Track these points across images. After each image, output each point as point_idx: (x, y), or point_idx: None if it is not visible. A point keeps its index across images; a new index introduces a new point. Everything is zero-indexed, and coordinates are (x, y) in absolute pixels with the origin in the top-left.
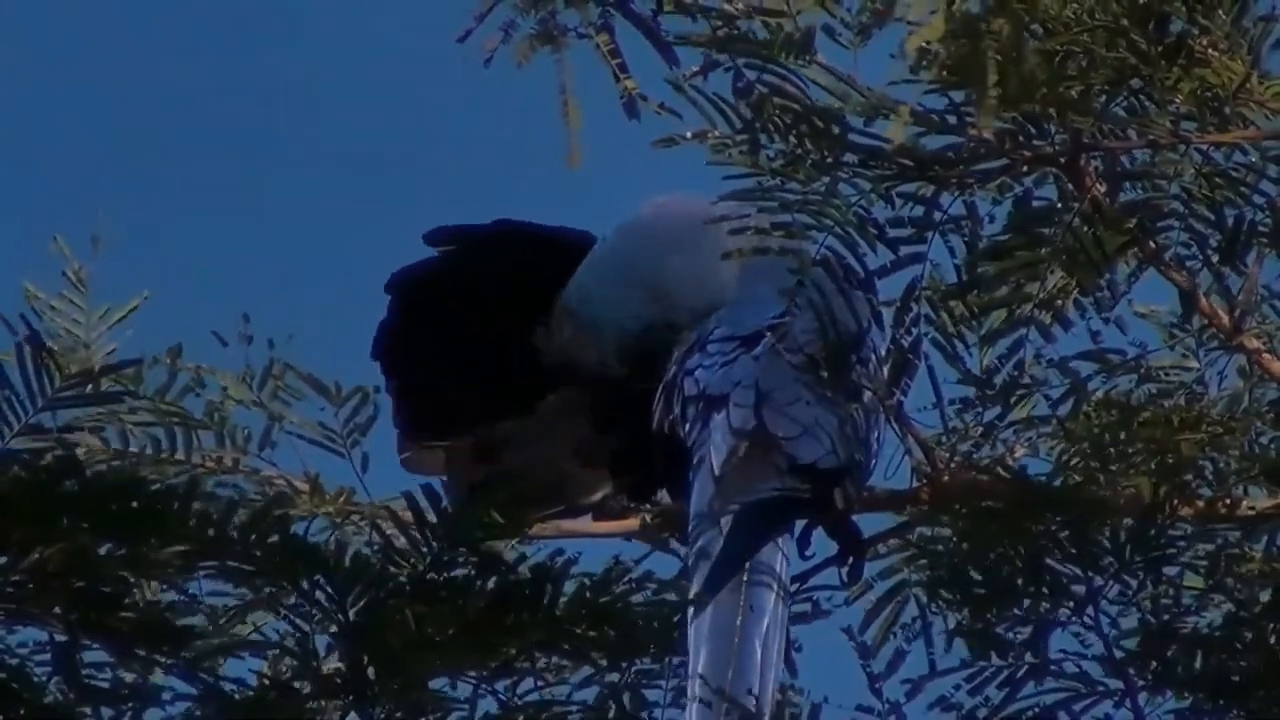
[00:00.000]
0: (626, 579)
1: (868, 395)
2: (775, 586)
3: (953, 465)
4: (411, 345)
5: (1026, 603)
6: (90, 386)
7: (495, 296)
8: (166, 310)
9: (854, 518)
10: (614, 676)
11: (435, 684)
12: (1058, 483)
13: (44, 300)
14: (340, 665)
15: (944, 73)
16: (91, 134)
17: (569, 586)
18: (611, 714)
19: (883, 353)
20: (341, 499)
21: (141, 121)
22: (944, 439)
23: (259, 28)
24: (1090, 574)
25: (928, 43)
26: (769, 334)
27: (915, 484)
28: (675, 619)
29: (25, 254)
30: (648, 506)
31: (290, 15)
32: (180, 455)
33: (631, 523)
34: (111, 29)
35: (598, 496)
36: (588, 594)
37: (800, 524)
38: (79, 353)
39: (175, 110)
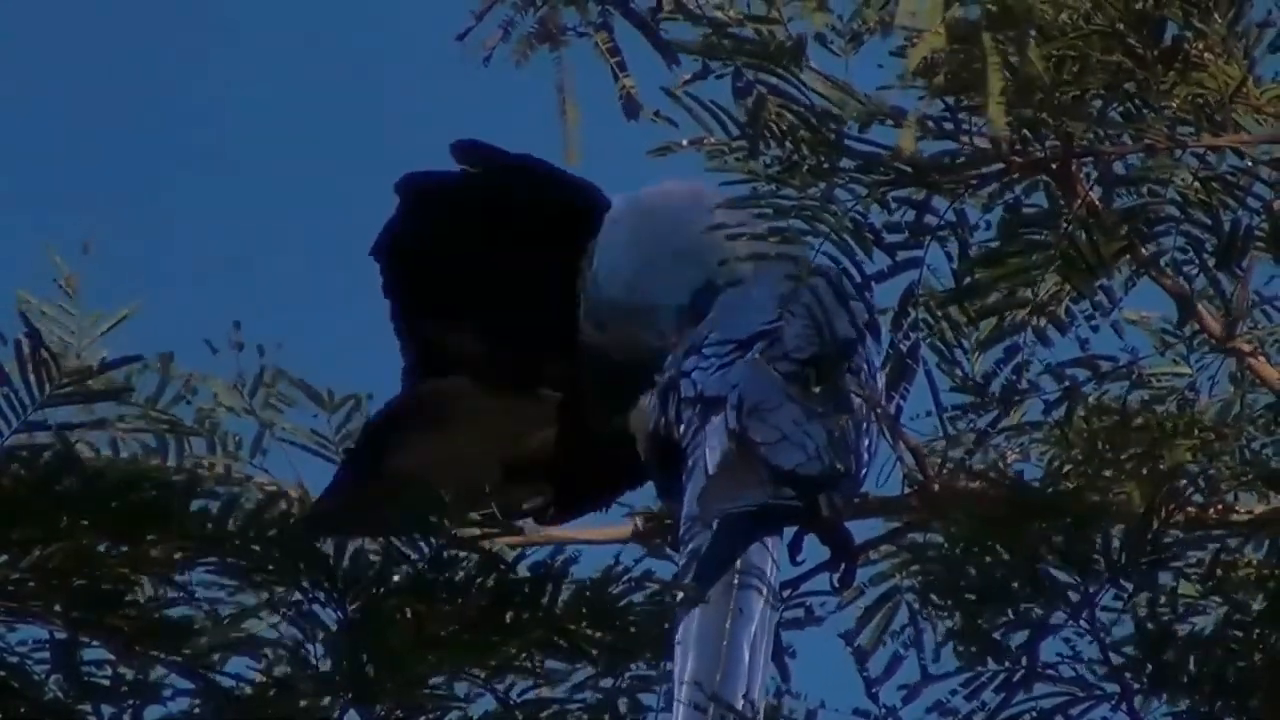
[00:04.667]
0: (626, 579)
1: (859, 404)
2: (764, 590)
3: (944, 472)
4: (416, 253)
5: (1021, 607)
6: (88, 383)
7: (510, 226)
8: (158, 317)
9: (846, 524)
10: (608, 682)
11: (434, 682)
12: (1050, 489)
13: (35, 306)
14: (340, 662)
15: (944, 78)
16: (83, 139)
17: (568, 587)
18: (608, 717)
19: (876, 362)
20: None
21: (134, 127)
22: (935, 445)
23: (257, 30)
24: (1085, 578)
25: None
26: (763, 339)
27: (906, 491)
28: (674, 615)
29: (17, 260)
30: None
31: (288, 19)
32: (171, 462)
33: (625, 530)
34: (104, 32)
35: (523, 506)
36: (587, 593)
37: (791, 530)
38: (70, 360)
39: (168, 115)
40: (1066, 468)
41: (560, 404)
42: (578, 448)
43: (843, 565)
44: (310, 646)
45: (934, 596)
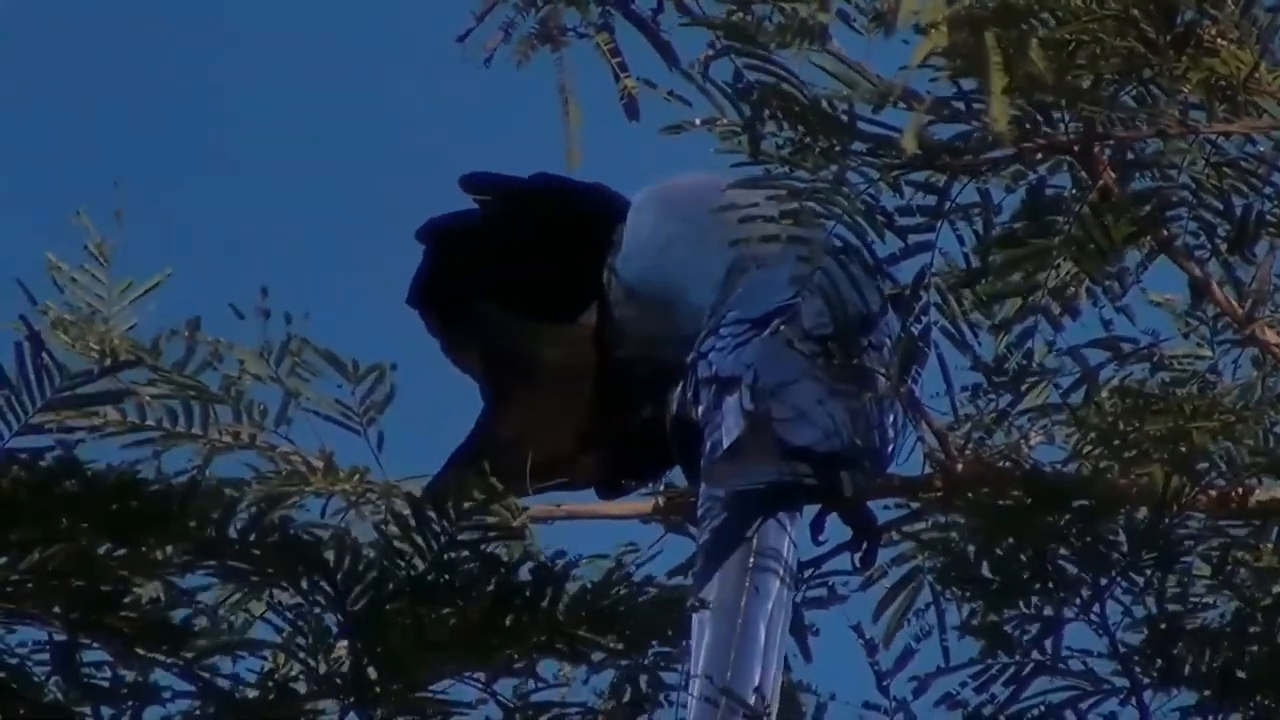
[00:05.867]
0: (628, 582)
1: (882, 381)
2: (780, 569)
3: (966, 453)
4: (450, 292)
5: (1034, 599)
6: (108, 372)
7: (535, 248)
8: (187, 284)
9: (869, 503)
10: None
11: (437, 686)
12: (1072, 470)
13: (65, 273)
14: (340, 665)
15: (956, 63)
16: (115, 108)
17: (570, 588)
18: (625, 698)
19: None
20: (356, 478)
21: (167, 98)
22: (957, 426)
23: (258, 30)
24: (1096, 571)
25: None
26: (776, 318)
27: (928, 471)
28: (676, 618)
29: (49, 227)
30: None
31: (290, 20)
32: (197, 429)
33: (645, 506)
34: (106, 33)
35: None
36: (588, 596)
37: (814, 509)
38: (98, 327)
39: (200, 87)
40: (1088, 449)
41: (603, 388)
42: (622, 429)
43: (864, 545)
44: (310, 649)
45: (952, 583)
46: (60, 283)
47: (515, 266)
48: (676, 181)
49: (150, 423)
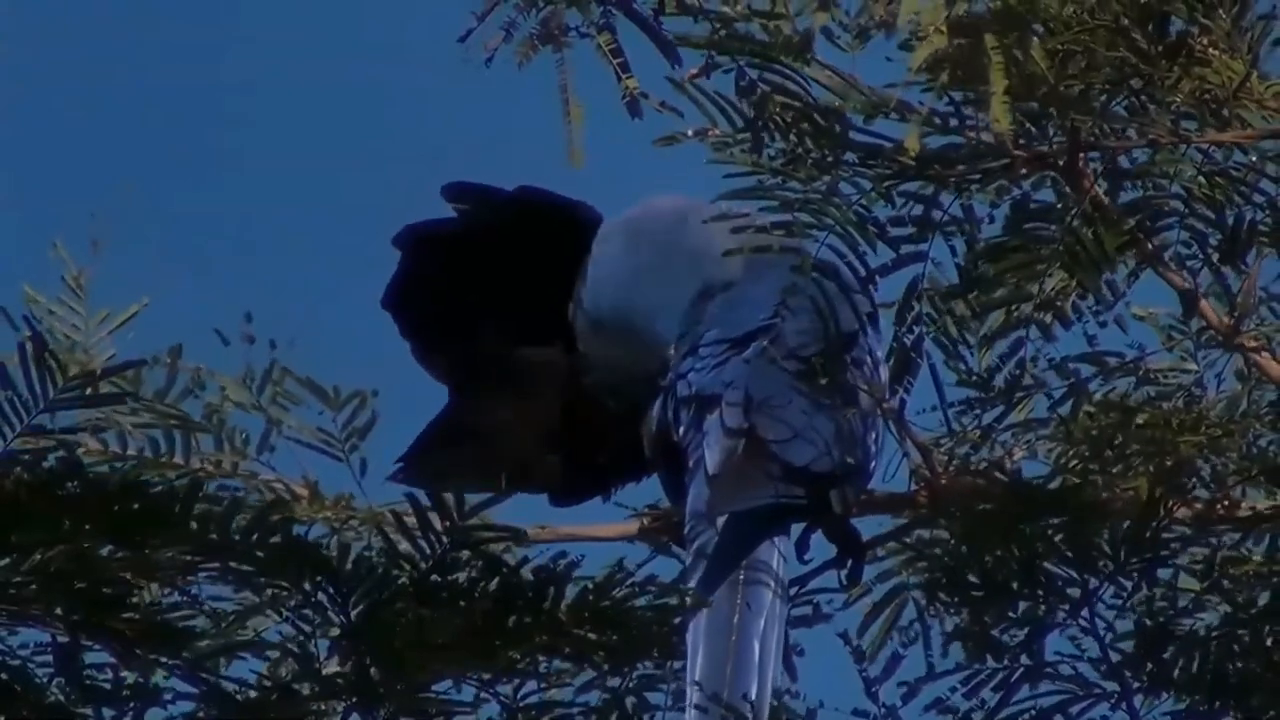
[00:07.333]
0: (629, 583)
1: (864, 397)
2: (772, 585)
3: (950, 468)
4: (423, 298)
5: (1022, 605)
6: (91, 389)
7: (509, 260)
8: (166, 311)
9: (853, 520)
10: (616, 681)
11: (439, 687)
12: (1055, 485)
13: (43, 304)
14: (343, 667)
15: (949, 73)
16: (94, 134)
17: (571, 590)
18: (614, 718)
19: (879, 354)
20: (340, 504)
21: (147, 121)
22: (942, 441)
23: (265, 26)
24: (1085, 576)
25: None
26: (760, 337)
27: (913, 487)
28: (677, 621)
29: (25, 258)
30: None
31: (295, 18)
32: (179, 458)
33: (631, 527)
34: (115, 29)
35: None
36: (590, 597)
37: (799, 527)
38: (78, 357)
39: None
40: (1073, 464)
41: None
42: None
43: (850, 562)
44: (314, 650)
45: (939, 594)
46: (38, 314)
47: (489, 277)
48: (644, 209)
49: (132, 452)
